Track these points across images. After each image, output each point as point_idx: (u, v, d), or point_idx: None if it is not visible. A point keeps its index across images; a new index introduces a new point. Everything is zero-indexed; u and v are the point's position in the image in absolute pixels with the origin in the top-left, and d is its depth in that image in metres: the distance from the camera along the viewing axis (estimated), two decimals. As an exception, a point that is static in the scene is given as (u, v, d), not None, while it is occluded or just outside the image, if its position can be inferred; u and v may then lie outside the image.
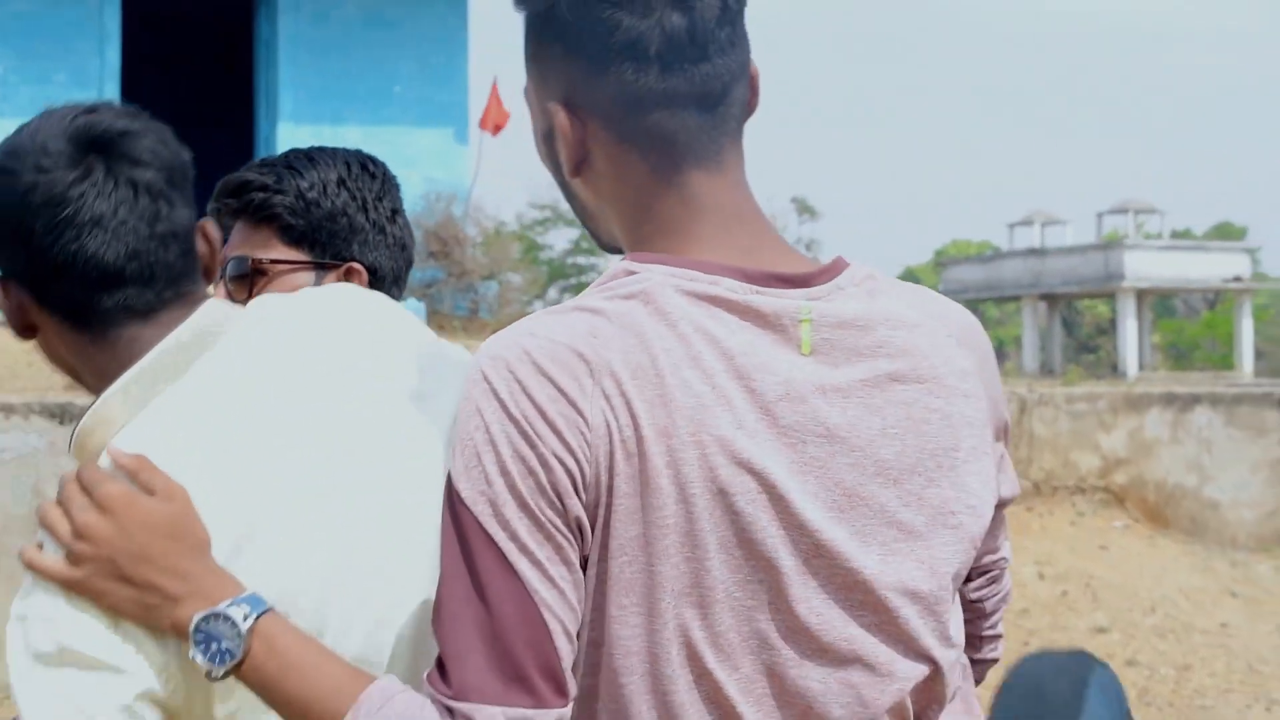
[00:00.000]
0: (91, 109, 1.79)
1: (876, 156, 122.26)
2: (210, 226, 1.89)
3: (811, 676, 1.55)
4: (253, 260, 2.47)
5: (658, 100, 1.61)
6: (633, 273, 1.59)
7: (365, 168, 2.57)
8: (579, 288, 52.01)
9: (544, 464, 1.50)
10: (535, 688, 1.50)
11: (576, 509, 1.51)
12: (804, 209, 46.02)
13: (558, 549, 1.51)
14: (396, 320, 1.90)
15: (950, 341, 1.65)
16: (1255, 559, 10.70)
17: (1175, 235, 52.50)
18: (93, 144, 1.75)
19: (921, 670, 1.60)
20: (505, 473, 1.50)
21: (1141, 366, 38.76)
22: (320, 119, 16.48)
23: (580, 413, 1.51)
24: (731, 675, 1.53)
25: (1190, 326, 52.79)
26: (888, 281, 1.65)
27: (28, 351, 12.41)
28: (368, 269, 2.46)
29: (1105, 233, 47.29)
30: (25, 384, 10.86)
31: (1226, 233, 66.96)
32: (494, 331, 8.24)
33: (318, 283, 2.45)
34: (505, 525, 1.50)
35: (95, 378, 1.77)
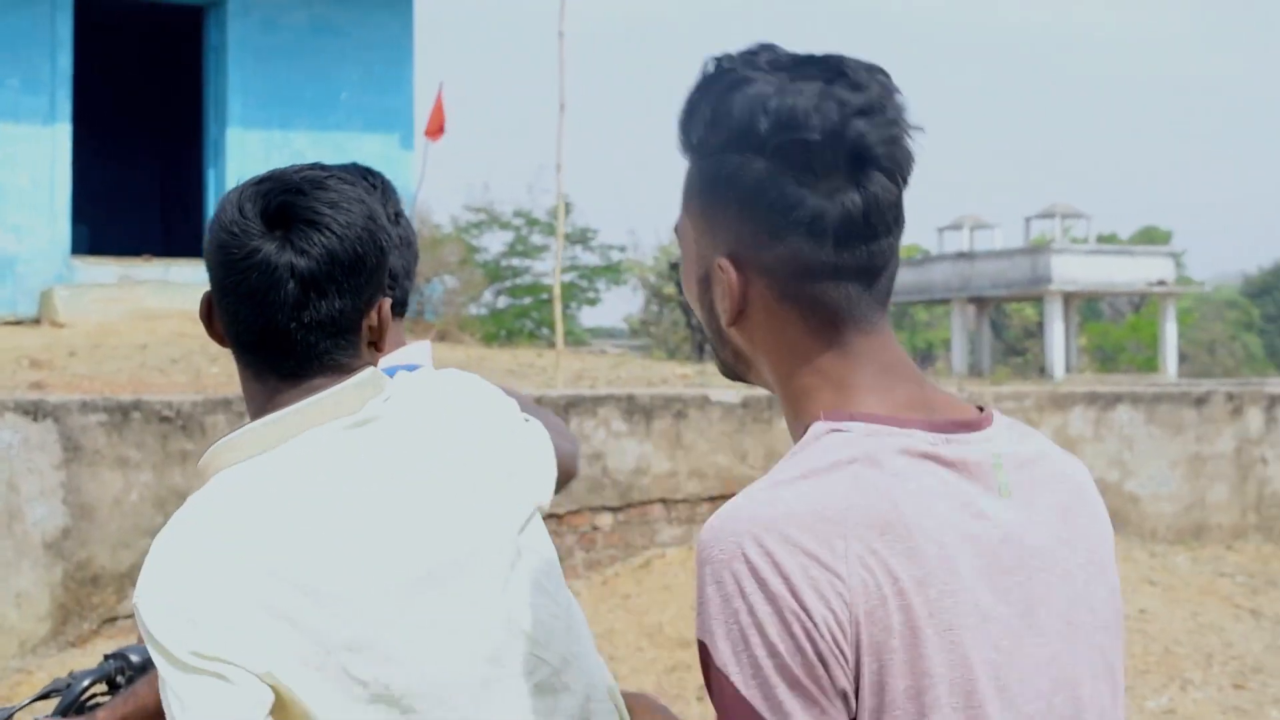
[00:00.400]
0: (283, 175, 2.08)
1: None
2: (385, 305, 2.12)
3: None
4: None
5: (827, 272, 1.67)
6: (837, 430, 1.63)
7: (366, 178, 2.66)
8: (515, 290, 51.82)
9: (810, 638, 1.50)
10: None
11: (841, 678, 1.52)
12: None
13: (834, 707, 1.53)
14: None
15: (1079, 465, 1.79)
16: (1173, 550, 11.20)
17: (1101, 240, 52.93)
18: (274, 219, 2.03)
19: None
20: (774, 654, 1.51)
21: (1068, 369, 39.34)
22: (269, 124, 16.68)
23: (838, 575, 1.52)
24: None
25: (1116, 329, 53.42)
26: (1014, 421, 1.76)
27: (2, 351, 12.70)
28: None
29: (1033, 237, 47.88)
30: (58, 372, 11.15)
31: (1152, 237, 67.26)
32: (439, 332, 8.71)
33: None
34: (779, 708, 1.51)
35: (250, 414, 2.09)
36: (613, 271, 50.27)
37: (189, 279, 15.96)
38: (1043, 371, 39.46)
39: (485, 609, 2.08)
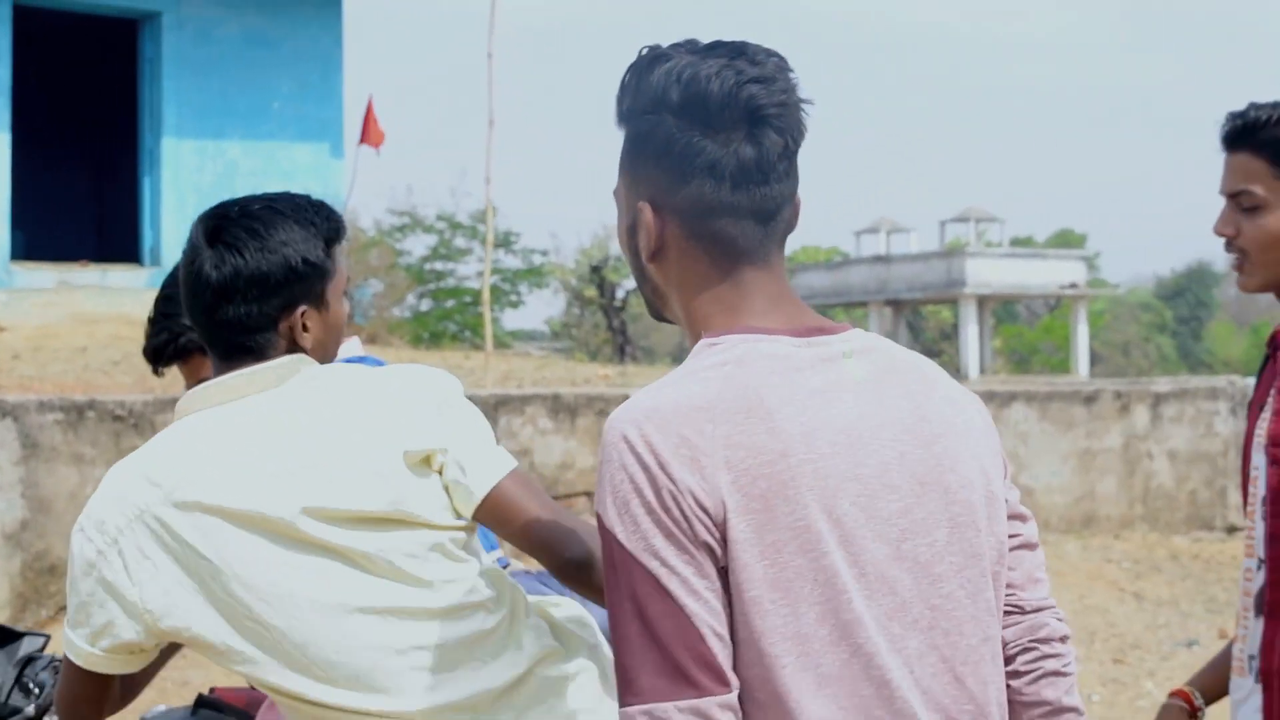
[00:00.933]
0: (231, 204, 2.66)
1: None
2: (301, 313, 2.63)
3: None
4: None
5: (725, 210, 1.97)
6: (715, 344, 1.95)
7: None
8: (439, 293, 51.61)
9: (676, 501, 1.82)
10: (697, 681, 1.80)
11: (704, 534, 1.82)
12: None
13: (699, 566, 1.83)
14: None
15: (931, 363, 2.11)
16: (1064, 539, 11.91)
17: (1016, 243, 52.94)
18: (210, 238, 2.59)
19: None
20: (651, 512, 1.82)
21: (983, 370, 39.69)
22: (203, 134, 16.82)
23: (704, 453, 1.83)
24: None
25: (1030, 332, 53.79)
26: (876, 335, 2.11)
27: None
28: None
29: (948, 240, 48.07)
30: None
31: (1067, 240, 65.79)
32: (368, 335, 9.51)
33: None
34: (655, 554, 1.82)
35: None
36: (535, 275, 50.16)
37: (125, 284, 16.12)
38: (958, 373, 39.86)
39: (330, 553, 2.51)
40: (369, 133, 16.87)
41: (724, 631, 1.83)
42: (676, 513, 1.81)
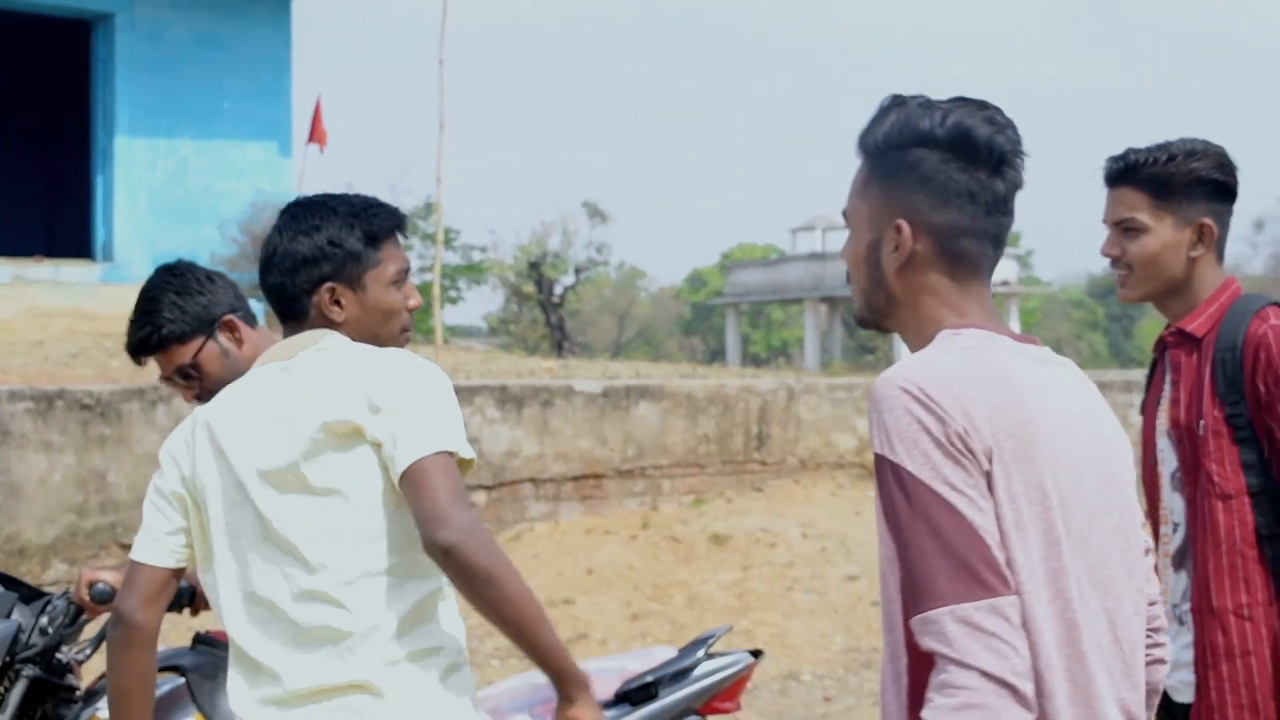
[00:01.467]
0: (296, 199, 3.23)
1: (666, 161, 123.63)
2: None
3: None
4: None
5: (975, 233, 2.33)
6: (958, 334, 2.28)
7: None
8: None
9: (961, 435, 2.12)
10: (989, 583, 2.06)
11: (981, 460, 2.13)
12: (595, 213, 46.21)
13: (981, 491, 2.12)
14: None
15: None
16: None
17: None
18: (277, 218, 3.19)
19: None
20: (939, 445, 2.11)
21: None
22: (155, 133, 17.12)
23: (975, 402, 2.14)
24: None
25: (963, 329, 54.49)
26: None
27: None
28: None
29: None
30: None
31: None
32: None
33: None
34: (946, 481, 2.10)
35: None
36: (474, 271, 50.43)
37: (79, 279, 16.39)
38: (889, 365, 40.30)
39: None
40: (315, 131, 17.24)
41: (999, 545, 2.11)
42: (962, 446, 2.12)
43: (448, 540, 2.75)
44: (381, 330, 3.13)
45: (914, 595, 2.09)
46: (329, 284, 3.07)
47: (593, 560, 10.51)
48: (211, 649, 4.17)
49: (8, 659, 3.99)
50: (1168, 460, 3.64)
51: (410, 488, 2.81)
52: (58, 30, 18.02)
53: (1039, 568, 2.15)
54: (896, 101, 2.35)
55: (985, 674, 2.02)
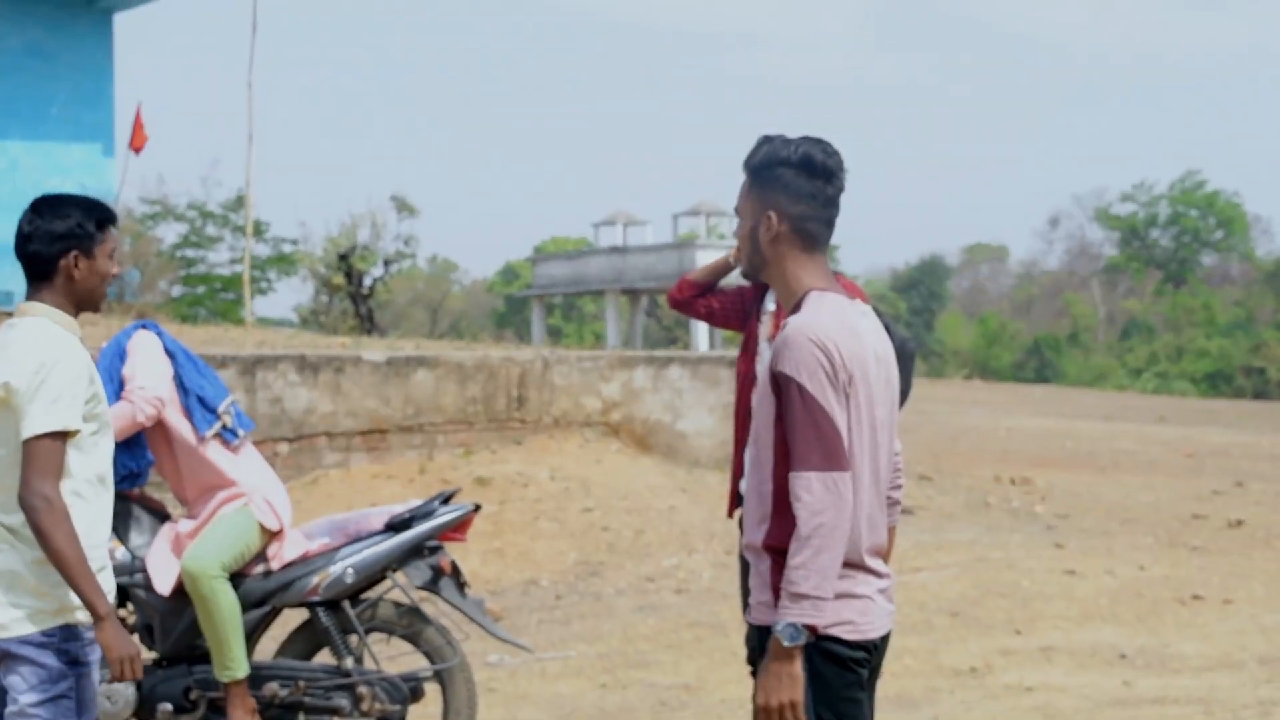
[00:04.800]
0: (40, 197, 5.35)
1: (477, 155, 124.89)
2: None
3: None
4: None
5: (815, 219, 3.68)
6: (823, 296, 3.62)
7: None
8: (189, 279, 52.27)
9: (836, 370, 3.50)
10: (842, 463, 3.47)
11: (843, 388, 3.52)
12: (403, 206, 47.09)
13: (844, 407, 3.52)
14: None
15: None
16: (708, 472, 14.82)
17: None
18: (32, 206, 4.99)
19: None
20: (827, 373, 3.49)
21: (711, 348, 42.39)
22: None
23: (842, 345, 3.52)
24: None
25: (753, 319, 55.85)
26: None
27: None
28: None
29: (681, 233, 49.46)
30: None
31: None
32: (138, 313, 13.30)
33: None
34: (828, 399, 3.49)
35: None
36: (285, 262, 51.30)
37: None
38: (689, 350, 41.90)
39: None
40: (135, 136, 18.78)
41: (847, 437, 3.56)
42: (836, 377, 3.55)
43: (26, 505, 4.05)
44: (100, 290, 4.34)
45: (796, 460, 3.48)
46: (74, 253, 4.25)
47: (377, 499, 12.67)
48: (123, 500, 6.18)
49: None
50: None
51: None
52: None
53: (866, 444, 3.60)
54: (767, 139, 3.73)
55: (816, 513, 3.47)
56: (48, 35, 19.20)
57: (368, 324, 39.74)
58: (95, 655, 4.22)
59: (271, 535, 6.18)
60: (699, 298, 6.16)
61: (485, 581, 11.60)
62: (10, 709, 4.12)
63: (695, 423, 15.44)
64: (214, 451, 6.12)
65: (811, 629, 3.45)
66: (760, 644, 3.61)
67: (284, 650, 6.37)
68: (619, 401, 15.18)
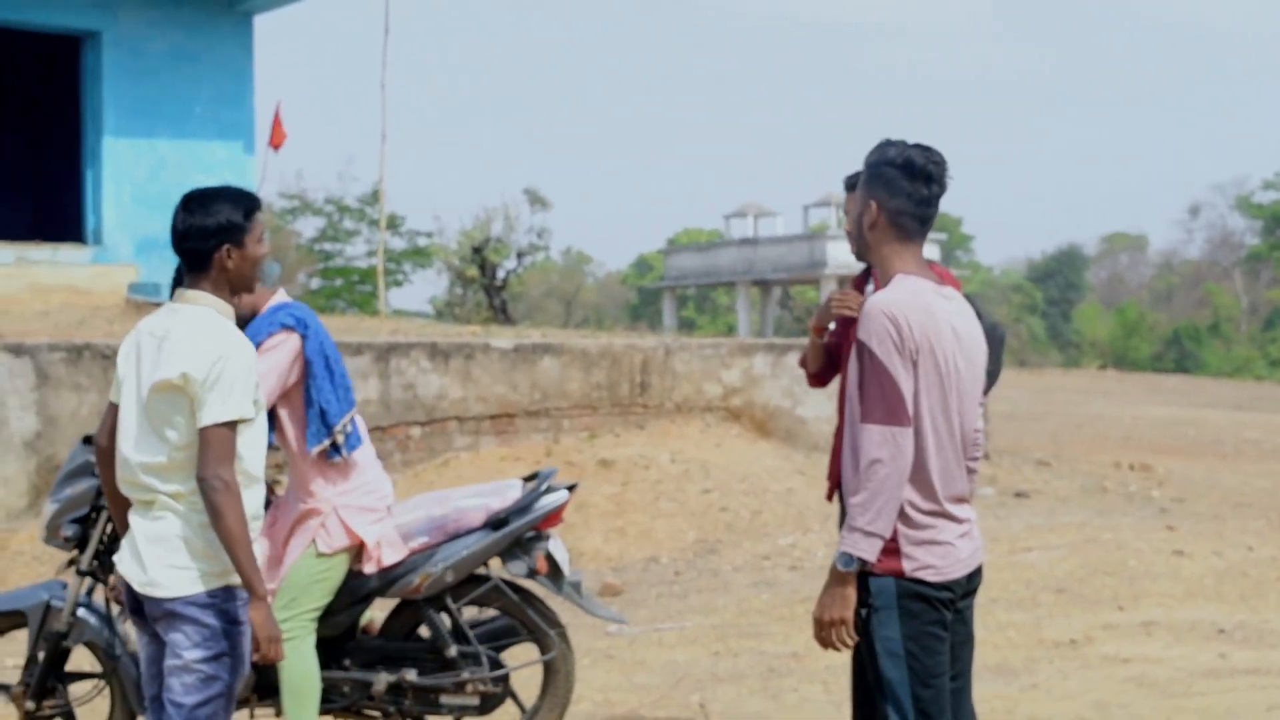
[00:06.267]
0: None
1: (611, 147, 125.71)
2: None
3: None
4: None
5: (912, 215, 4.15)
6: (907, 278, 4.07)
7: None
8: (327, 273, 53.38)
9: (904, 339, 3.97)
10: (904, 420, 3.96)
11: (912, 360, 3.99)
12: (536, 200, 47.64)
13: (910, 373, 3.99)
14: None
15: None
16: (825, 456, 14.98)
17: None
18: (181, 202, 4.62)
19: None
20: (896, 345, 3.96)
21: None
22: (136, 134, 19.28)
23: (915, 320, 3.98)
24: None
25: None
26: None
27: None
28: None
29: (811, 224, 49.60)
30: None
31: (941, 224, 68.63)
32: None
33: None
34: (893, 363, 3.96)
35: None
36: (420, 255, 52.22)
37: (73, 260, 18.65)
38: None
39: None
40: (274, 134, 19.41)
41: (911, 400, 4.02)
42: (908, 347, 4.02)
43: (202, 478, 4.38)
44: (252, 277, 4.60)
45: (862, 413, 3.98)
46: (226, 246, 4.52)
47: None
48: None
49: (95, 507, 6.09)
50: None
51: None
52: (52, 44, 20.11)
53: (937, 407, 4.05)
54: (886, 141, 4.21)
55: (875, 460, 3.96)
56: (190, 38, 19.91)
57: (501, 315, 40.26)
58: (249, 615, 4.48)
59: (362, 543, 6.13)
60: (825, 372, 6.34)
61: (608, 559, 12.09)
62: (173, 663, 4.41)
63: (815, 408, 15.79)
64: (311, 465, 6.04)
65: (862, 560, 4.00)
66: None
67: (386, 630, 6.50)
68: (739, 387, 15.58)
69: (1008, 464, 17.21)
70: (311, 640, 6.01)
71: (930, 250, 46.83)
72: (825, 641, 4.07)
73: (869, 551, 3.98)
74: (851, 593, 4.04)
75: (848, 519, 3.99)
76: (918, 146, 4.18)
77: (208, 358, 4.35)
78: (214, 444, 4.32)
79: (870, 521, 3.95)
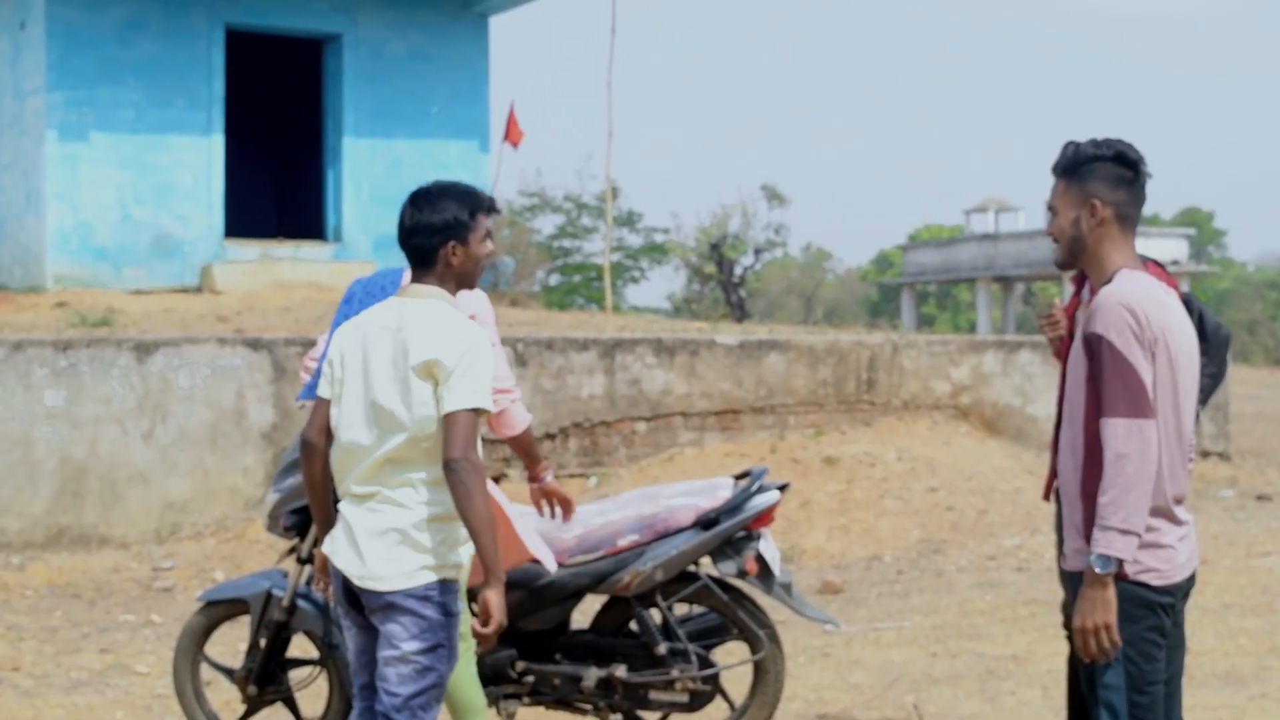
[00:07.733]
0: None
1: (847, 142, 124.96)
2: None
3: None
4: None
5: (1134, 204, 4.12)
6: (1133, 274, 4.02)
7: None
8: (567, 269, 54.01)
9: (1144, 329, 3.90)
10: (1148, 412, 3.88)
11: (1150, 347, 3.93)
12: (774, 196, 47.68)
13: (1150, 364, 3.93)
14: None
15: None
16: None
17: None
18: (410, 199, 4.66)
19: None
20: (1136, 336, 3.90)
21: None
22: (375, 134, 19.77)
23: (1151, 313, 3.92)
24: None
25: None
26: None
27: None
28: None
29: None
30: (234, 325, 14.50)
31: (1192, 218, 66.24)
32: (511, 300, 13.98)
33: None
34: (1133, 355, 3.90)
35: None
36: (657, 251, 52.55)
37: (314, 257, 19.21)
38: None
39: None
40: (511, 132, 19.73)
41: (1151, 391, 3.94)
42: (1146, 338, 3.97)
43: (449, 460, 4.40)
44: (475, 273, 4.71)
45: (1105, 407, 3.92)
46: (451, 243, 4.60)
47: (728, 476, 13.25)
48: None
49: None
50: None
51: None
52: (294, 48, 20.73)
53: (1169, 402, 4.00)
54: (1073, 144, 4.20)
55: (1122, 455, 3.90)
56: (429, 41, 20.32)
57: (738, 312, 40.33)
58: (460, 606, 4.56)
59: (513, 540, 5.78)
60: None
61: (830, 556, 12.01)
62: (389, 653, 4.47)
63: (1046, 406, 15.47)
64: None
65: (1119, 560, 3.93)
66: (1072, 589, 4.09)
67: (596, 625, 6.53)
68: (968, 385, 15.36)
69: (1251, 465, 16.68)
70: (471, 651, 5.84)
71: (1179, 245, 46.37)
72: (1089, 651, 3.98)
73: (1126, 550, 3.91)
74: (1112, 595, 3.94)
75: (1098, 519, 3.92)
76: (1114, 139, 4.16)
77: (457, 346, 4.43)
78: (463, 427, 4.37)
79: (1125, 519, 3.89)
